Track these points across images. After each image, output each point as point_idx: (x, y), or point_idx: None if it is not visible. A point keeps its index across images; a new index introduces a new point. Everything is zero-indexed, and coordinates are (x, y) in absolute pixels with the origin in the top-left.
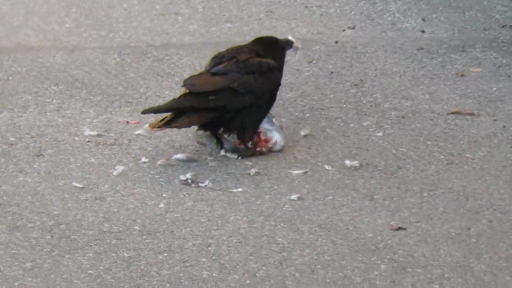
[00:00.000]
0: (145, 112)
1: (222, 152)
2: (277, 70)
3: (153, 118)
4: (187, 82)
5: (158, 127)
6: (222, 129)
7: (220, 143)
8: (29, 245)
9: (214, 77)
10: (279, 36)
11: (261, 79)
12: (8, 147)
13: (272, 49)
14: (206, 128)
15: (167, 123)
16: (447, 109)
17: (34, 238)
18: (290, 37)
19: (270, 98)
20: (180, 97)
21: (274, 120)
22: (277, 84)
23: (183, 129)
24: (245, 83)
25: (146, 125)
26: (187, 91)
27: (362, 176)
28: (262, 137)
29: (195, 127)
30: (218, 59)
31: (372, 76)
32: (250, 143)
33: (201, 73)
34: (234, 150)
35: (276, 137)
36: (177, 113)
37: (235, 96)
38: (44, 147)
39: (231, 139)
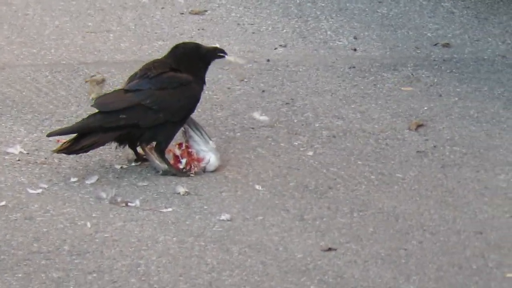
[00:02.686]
0: (50, 135)
1: (133, 163)
2: (194, 83)
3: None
4: (97, 101)
5: (59, 151)
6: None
7: (137, 157)
8: None
9: (126, 94)
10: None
11: (175, 94)
12: None
13: (188, 60)
14: (121, 144)
15: (68, 147)
16: (378, 128)
17: None
18: (218, 45)
19: (187, 113)
20: (88, 117)
21: (210, 142)
22: (194, 98)
23: (112, 148)
24: (157, 99)
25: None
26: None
27: (293, 196)
28: (195, 155)
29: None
30: (133, 77)
31: (304, 94)
32: (184, 167)
33: (114, 91)
34: (156, 167)
35: (211, 158)
36: (81, 135)
37: (147, 113)
38: None
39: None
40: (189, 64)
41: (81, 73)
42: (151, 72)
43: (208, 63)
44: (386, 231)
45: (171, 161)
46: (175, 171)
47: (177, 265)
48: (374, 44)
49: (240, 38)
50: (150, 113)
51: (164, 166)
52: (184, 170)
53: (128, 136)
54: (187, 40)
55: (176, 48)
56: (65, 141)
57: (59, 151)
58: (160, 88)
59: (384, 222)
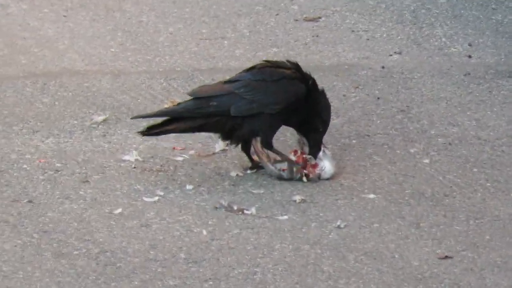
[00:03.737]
0: (134, 117)
1: (248, 171)
2: (298, 80)
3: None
4: (194, 89)
5: (140, 132)
6: (230, 138)
7: (252, 164)
8: (74, 272)
9: (224, 84)
10: (326, 61)
11: (272, 87)
12: (54, 173)
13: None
14: (226, 137)
15: (148, 129)
16: (494, 136)
17: (80, 265)
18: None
19: (286, 107)
20: (179, 103)
21: (326, 150)
22: (294, 93)
23: (228, 155)
24: (252, 89)
25: (192, 151)
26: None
27: (409, 204)
28: (311, 162)
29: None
30: (244, 70)
31: (419, 102)
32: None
33: (216, 82)
34: (270, 172)
35: (326, 165)
36: (169, 120)
37: (240, 102)
38: (90, 173)
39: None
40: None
41: (196, 80)
42: (258, 65)
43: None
44: (502, 239)
45: (286, 167)
46: (290, 162)
47: (293, 273)
48: (489, 51)
49: (355, 45)
50: (243, 102)
51: (276, 171)
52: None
53: (218, 125)
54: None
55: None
56: (179, 148)
57: (140, 132)
58: (259, 79)
59: (501, 230)
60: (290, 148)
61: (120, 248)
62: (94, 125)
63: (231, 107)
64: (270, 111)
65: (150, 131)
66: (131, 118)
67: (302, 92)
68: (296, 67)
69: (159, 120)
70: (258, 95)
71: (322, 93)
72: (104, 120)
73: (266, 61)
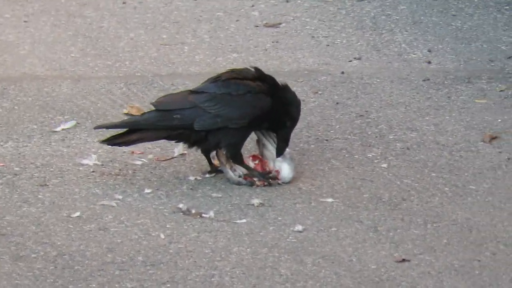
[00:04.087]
0: (97, 127)
1: (207, 175)
2: (264, 94)
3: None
4: (158, 99)
5: (103, 141)
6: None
7: (211, 168)
8: (32, 275)
9: (189, 95)
10: (286, 67)
11: (237, 101)
12: (12, 177)
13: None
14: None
15: (112, 139)
16: (452, 141)
17: (38, 268)
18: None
19: (251, 121)
20: (143, 113)
21: (286, 153)
22: (259, 108)
23: (186, 159)
24: (217, 103)
25: (151, 155)
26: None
27: (366, 208)
28: (271, 169)
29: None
30: (210, 79)
31: (378, 107)
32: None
33: (180, 91)
34: (230, 179)
35: (285, 169)
36: (131, 130)
37: (204, 116)
38: (49, 177)
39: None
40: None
41: (156, 85)
42: (223, 76)
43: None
44: (460, 243)
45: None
46: (257, 174)
47: (251, 275)
48: (448, 57)
49: (314, 51)
50: (207, 116)
51: (236, 178)
52: (267, 174)
53: (181, 137)
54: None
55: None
56: (138, 152)
57: (103, 141)
58: (223, 93)
59: (458, 234)
60: (248, 152)
61: (78, 251)
62: (62, 131)
63: (195, 121)
64: (234, 125)
65: (113, 141)
66: (94, 128)
67: (267, 106)
68: (259, 74)
69: (121, 130)
70: (222, 110)
71: (286, 89)
72: (74, 126)
73: (231, 70)
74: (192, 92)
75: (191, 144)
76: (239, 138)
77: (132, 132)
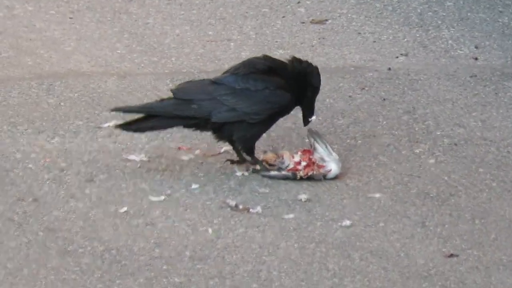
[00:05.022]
0: (114, 109)
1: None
2: (282, 90)
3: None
4: (179, 86)
5: (118, 126)
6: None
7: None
8: (79, 270)
9: (209, 85)
10: (332, 64)
11: (255, 96)
12: (59, 173)
13: (297, 76)
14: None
15: (127, 125)
16: (500, 137)
17: (85, 263)
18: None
19: (268, 117)
20: (162, 99)
21: (333, 153)
22: (277, 104)
23: (234, 155)
24: (234, 97)
25: (198, 151)
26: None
27: (414, 204)
28: (319, 163)
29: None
30: (232, 68)
31: (425, 103)
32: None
33: (201, 80)
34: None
35: (332, 167)
36: (148, 116)
37: (220, 108)
38: (95, 173)
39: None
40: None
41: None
42: (244, 69)
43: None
44: (508, 238)
45: (292, 165)
46: (261, 164)
47: (299, 270)
48: (495, 53)
49: (361, 47)
50: (224, 109)
51: (280, 173)
52: (298, 173)
53: (197, 126)
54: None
55: (297, 61)
56: (185, 148)
57: (118, 126)
58: (242, 87)
59: (506, 229)
60: (296, 148)
61: (125, 246)
62: (108, 127)
63: (212, 112)
64: (250, 120)
65: (128, 127)
66: (111, 110)
67: (286, 102)
68: (269, 63)
69: (137, 115)
70: (239, 104)
71: (294, 62)
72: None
73: (245, 61)
74: (212, 82)
75: (206, 131)
76: (254, 132)
77: (148, 118)
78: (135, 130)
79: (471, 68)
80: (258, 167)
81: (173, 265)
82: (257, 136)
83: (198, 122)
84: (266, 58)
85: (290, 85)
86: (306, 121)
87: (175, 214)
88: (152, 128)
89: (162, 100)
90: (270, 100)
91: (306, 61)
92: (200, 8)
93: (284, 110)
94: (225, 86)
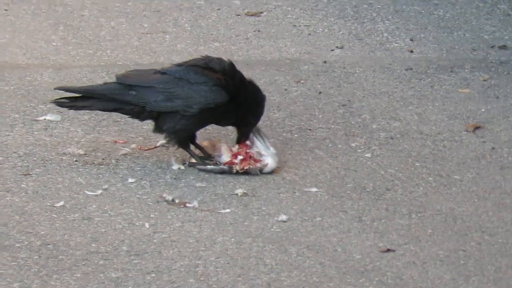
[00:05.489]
0: (58, 88)
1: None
2: (221, 87)
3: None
4: (123, 72)
5: (53, 101)
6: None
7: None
8: (16, 265)
9: (153, 74)
10: (268, 56)
11: (193, 89)
12: None
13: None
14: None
15: (62, 100)
16: (436, 130)
17: (22, 258)
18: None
19: (207, 113)
20: (104, 83)
21: (271, 148)
22: (211, 99)
23: (171, 149)
24: (172, 87)
25: (134, 145)
26: None
27: (351, 198)
28: (256, 157)
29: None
30: (182, 62)
31: (361, 96)
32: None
33: (149, 69)
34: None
35: (269, 161)
36: (84, 97)
37: (157, 97)
38: (32, 166)
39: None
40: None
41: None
42: (190, 62)
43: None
44: (444, 233)
45: (228, 159)
46: (197, 158)
47: (236, 265)
48: (430, 46)
49: (296, 40)
50: (161, 98)
51: (217, 167)
52: (234, 167)
53: (132, 113)
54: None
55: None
56: (121, 141)
57: (53, 101)
58: (182, 77)
59: (443, 224)
60: (233, 142)
61: (62, 240)
62: (44, 121)
63: (148, 100)
64: (183, 112)
65: (63, 103)
66: (54, 89)
67: (221, 100)
68: (229, 68)
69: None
70: (175, 95)
71: (250, 86)
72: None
73: (204, 57)
74: (156, 71)
75: (140, 121)
76: (184, 125)
77: (87, 98)
78: (70, 107)
79: (406, 61)
80: (193, 160)
81: (110, 259)
82: (187, 130)
83: (134, 109)
84: (230, 63)
85: (234, 94)
86: (238, 142)
87: (111, 209)
88: (87, 107)
89: (105, 83)
90: (206, 95)
91: (257, 87)
92: (135, 0)
93: (218, 111)
94: (166, 76)
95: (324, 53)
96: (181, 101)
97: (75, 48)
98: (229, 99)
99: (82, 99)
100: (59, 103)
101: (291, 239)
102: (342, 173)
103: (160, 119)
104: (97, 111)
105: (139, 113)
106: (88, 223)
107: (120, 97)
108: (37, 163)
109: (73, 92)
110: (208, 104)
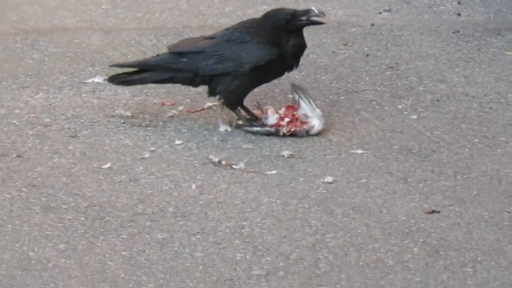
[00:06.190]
0: (112, 65)
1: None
2: (265, 43)
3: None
4: (174, 43)
5: (109, 79)
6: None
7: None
8: (63, 226)
9: (203, 40)
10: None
11: (241, 48)
12: (43, 128)
13: (271, 25)
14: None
15: (115, 77)
16: (482, 92)
17: (68, 219)
18: (313, 8)
19: (253, 73)
20: (157, 55)
21: (317, 109)
22: (260, 57)
23: (218, 111)
24: (221, 50)
25: (181, 107)
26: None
27: (396, 159)
28: (299, 117)
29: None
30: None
31: (407, 59)
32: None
33: (196, 37)
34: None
35: (315, 123)
36: (139, 71)
37: (208, 60)
38: (79, 129)
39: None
40: (271, 28)
41: (185, 37)
42: (236, 26)
43: (297, 29)
44: (489, 194)
45: (275, 121)
46: (244, 119)
47: (281, 227)
48: (478, 9)
49: (344, 3)
50: (211, 61)
51: (263, 129)
52: (281, 129)
53: (186, 80)
54: (286, 6)
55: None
56: (168, 103)
57: (107, 79)
58: (229, 39)
59: (488, 185)
60: (279, 104)
61: (108, 202)
62: (92, 83)
63: (199, 65)
64: (235, 72)
65: (116, 80)
66: (110, 66)
67: (272, 56)
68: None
69: (129, 69)
70: (225, 56)
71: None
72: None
73: (250, 20)
74: (205, 38)
75: (194, 87)
76: (238, 85)
77: (139, 72)
78: (124, 83)
79: (454, 24)
80: (240, 122)
81: (156, 221)
82: (241, 90)
83: (187, 75)
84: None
85: (276, 42)
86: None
87: (158, 170)
88: (141, 81)
89: (157, 55)
90: (255, 53)
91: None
92: None
93: (270, 67)
94: (214, 40)
95: (372, 16)
96: (231, 62)
97: (123, 11)
98: (278, 55)
99: (136, 73)
100: (113, 81)
101: (336, 201)
102: (388, 135)
103: (213, 83)
104: (153, 83)
105: (192, 79)
106: (134, 184)
107: (173, 65)
108: (85, 125)
109: (127, 67)
110: (259, 62)
